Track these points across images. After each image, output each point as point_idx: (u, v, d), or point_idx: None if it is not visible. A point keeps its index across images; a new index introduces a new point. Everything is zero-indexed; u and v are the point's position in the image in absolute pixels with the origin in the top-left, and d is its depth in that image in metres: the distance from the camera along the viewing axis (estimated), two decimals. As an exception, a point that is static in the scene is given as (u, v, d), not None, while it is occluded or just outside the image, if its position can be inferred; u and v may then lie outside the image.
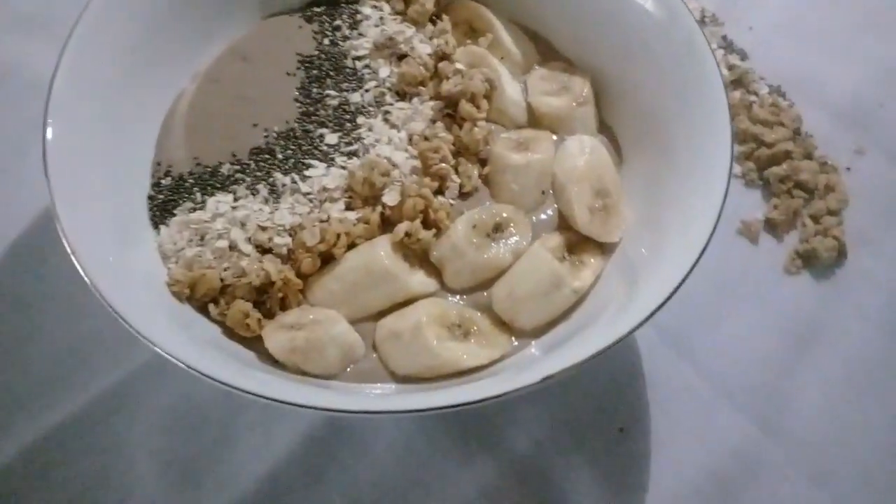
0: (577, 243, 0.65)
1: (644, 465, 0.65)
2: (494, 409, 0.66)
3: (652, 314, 0.53)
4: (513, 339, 0.62)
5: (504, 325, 0.62)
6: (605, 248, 0.65)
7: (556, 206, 0.66)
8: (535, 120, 0.71)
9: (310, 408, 0.51)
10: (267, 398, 0.51)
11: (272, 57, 0.72)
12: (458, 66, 0.69)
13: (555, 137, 0.69)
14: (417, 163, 0.66)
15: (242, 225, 0.62)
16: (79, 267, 0.52)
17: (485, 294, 0.63)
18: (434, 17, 0.74)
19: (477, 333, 0.61)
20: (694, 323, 0.70)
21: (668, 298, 0.54)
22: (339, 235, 0.62)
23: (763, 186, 0.79)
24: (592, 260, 0.64)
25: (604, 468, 0.65)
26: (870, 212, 0.77)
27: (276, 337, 0.58)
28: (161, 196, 0.65)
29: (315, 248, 0.61)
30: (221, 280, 0.60)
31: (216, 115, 0.69)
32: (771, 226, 0.77)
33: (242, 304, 0.59)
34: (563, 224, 0.66)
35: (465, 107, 0.67)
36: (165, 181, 0.66)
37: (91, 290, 0.51)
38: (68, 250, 0.52)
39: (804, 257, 0.75)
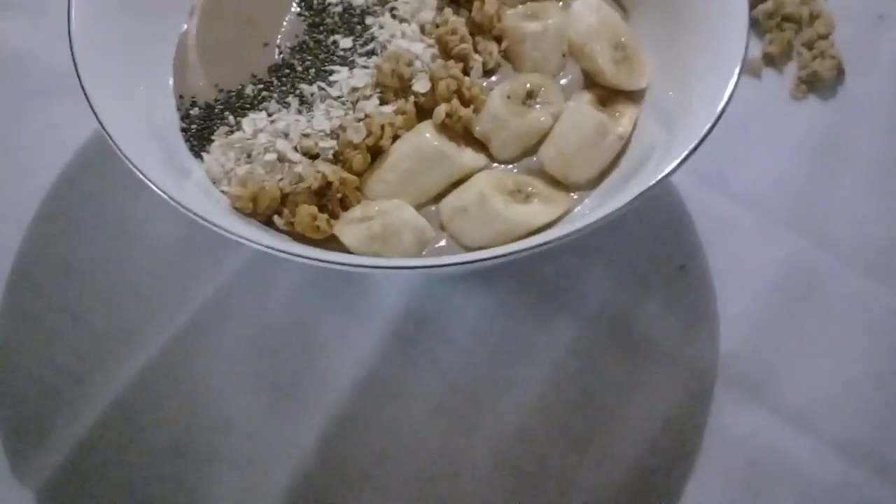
0: (608, 97, 0.66)
1: (710, 295, 0.68)
2: (562, 273, 0.68)
3: (693, 150, 0.55)
4: (571, 194, 0.63)
5: (559, 184, 0.63)
6: (633, 97, 0.67)
7: (577, 68, 0.67)
8: (534, -7, 0.71)
9: (407, 268, 0.52)
10: (368, 266, 0.54)
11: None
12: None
13: (560, 3, 0.70)
14: (435, 50, 0.67)
15: (285, 136, 0.62)
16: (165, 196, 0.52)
17: (534, 158, 0.64)
18: None
19: (537, 195, 0.62)
20: (724, 160, 0.73)
21: (706, 136, 0.55)
22: (383, 127, 0.62)
23: (753, 25, 0.81)
24: (626, 108, 0.66)
25: (674, 305, 0.67)
26: (853, 32, 0.81)
27: (351, 230, 0.58)
28: (194, 126, 0.64)
29: (363, 144, 0.62)
30: (280, 190, 0.60)
31: (225, 41, 0.68)
32: (769, 59, 0.80)
33: (308, 207, 0.59)
34: (589, 83, 0.67)
35: (472, -14, 0.67)
36: (194, 111, 0.65)
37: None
38: (155, 188, 0.53)
39: (807, 81, 0.78)
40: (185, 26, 0.69)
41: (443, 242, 0.61)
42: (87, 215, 0.69)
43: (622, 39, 0.67)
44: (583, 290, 0.67)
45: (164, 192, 0.53)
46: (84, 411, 0.62)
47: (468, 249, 0.61)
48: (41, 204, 0.70)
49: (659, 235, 0.70)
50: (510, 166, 0.64)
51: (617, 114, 0.66)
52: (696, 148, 0.55)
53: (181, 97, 0.65)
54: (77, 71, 0.56)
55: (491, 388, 0.64)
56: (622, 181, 0.62)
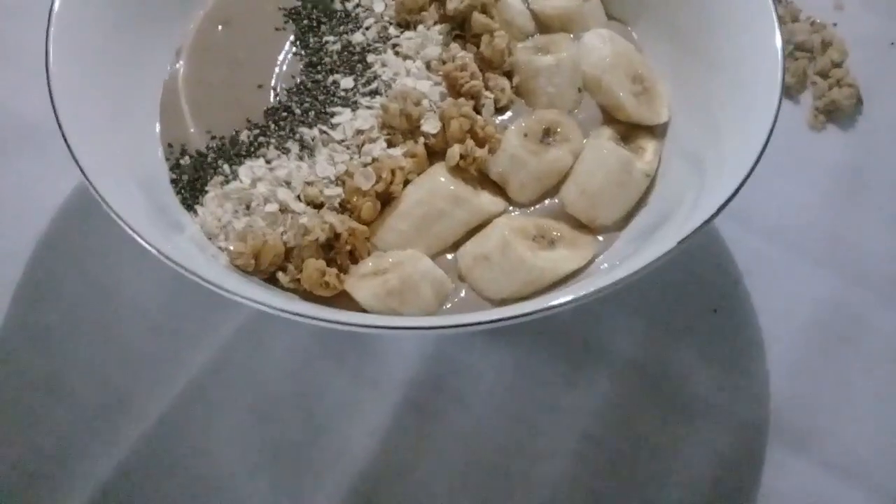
0: (628, 132, 0.63)
1: (746, 340, 0.63)
2: (585, 322, 0.63)
3: (734, 194, 0.51)
4: (598, 237, 0.59)
5: (584, 227, 0.59)
6: (655, 132, 0.63)
7: (594, 102, 0.63)
8: (543, 27, 0.67)
9: (429, 328, 0.47)
10: (388, 327, 0.49)
11: (253, 16, 0.66)
12: (457, -17, 0.66)
13: (571, 36, 0.66)
14: (443, 88, 0.62)
15: (287, 184, 0.57)
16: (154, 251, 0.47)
17: (555, 200, 0.60)
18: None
19: (561, 239, 0.57)
20: (746, 195, 0.69)
21: (746, 178, 0.51)
22: (393, 172, 0.57)
23: (764, 55, 0.78)
24: (648, 144, 0.62)
25: (709, 353, 0.63)
26: (865, 59, 0.78)
27: (365, 286, 0.53)
28: (185, 176, 0.59)
29: (371, 191, 0.57)
30: (284, 244, 0.55)
31: (215, 84, 0.63)
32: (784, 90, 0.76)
33: (315, 262, 0.54)
34: (608, 118, 0.63)
35: (480, 19, 0.63)
36: (184, 160, 0.59)
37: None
38: (144, 243, 0.48)
39: (825, 111, 0.75)
40: (171, 68, 0.64)
41: (462, 294, 0.56)
42: (68, 279, 0.63)
43: (639, 71, 0.63)
44: (608, 340, 0.63)
45: (153, 246, 0.48)
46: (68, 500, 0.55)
47: (491, 301, 0.56)
48: (17, 268, 0.64)
49: (688, 276, 0.66)
50: (529, 209, 0.60)
51: (640, 150, 0.62)
52: (737, 191, 0.51)
53: (170, 146, 0.60)
54: (57, 119, 0.51)
55: (517, 460, 0.58)
56: (653, 224, 0.58)
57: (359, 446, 0.58)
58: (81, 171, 0.49)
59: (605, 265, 0.57)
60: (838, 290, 0.65)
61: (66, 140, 0.50)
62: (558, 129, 0.61)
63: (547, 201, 0.60)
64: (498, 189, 0.60)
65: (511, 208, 0.60)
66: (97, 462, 0.56)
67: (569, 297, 0.47)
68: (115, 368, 0.60)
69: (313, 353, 0.61)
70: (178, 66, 0.64)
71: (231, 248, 0.54)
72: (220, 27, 0.66)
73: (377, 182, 0.57)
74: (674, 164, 0.61)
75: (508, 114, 0.63)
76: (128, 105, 0.60)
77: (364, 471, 0.57)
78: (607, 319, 0.63)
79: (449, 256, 0.58)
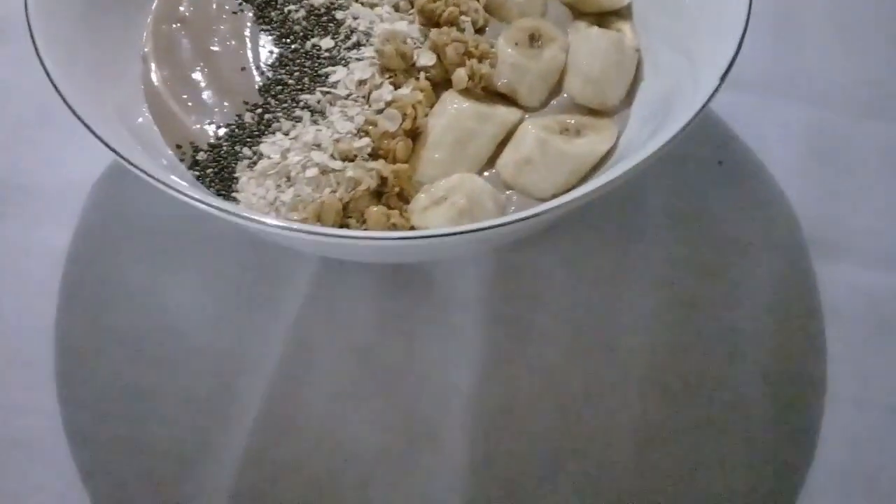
0: (599, 21, 0.66)
1: (756, 178, 0.68)
2: (624, 199, 0.66)
3: (733, 60, 0.52)
4: (614, 118, 0.62)
5: (596, 113, 0.62)
6: (621, 14, 0.67)
7: (557, 3, 0.66)
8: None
9: (538, 215, 0.47)
10: (464, 231, 0.47)
11: (204, 5, 0.65)
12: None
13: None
14: (417, 24, 0.63)
15: (318, 146, 0.57)
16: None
17: (564, 95, 0.62)
18: None
19: (585, 126, 0.60)
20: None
21: (740, 44, 0.53)
22: (415, 107, 0.58)
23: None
24: (623, 25, 0.65)
25: (729, 195, 0.67)
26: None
27: (435, 215, 0.54)
28: (209, 170, 0.57)
29: (400, 131, 0.57)
30: (339, 200, 0.54)
31: (196, 78, 0.61)
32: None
33: (379, 208, 0.54)
34: (576, 14, 0.66)
35: (432, -51, 0.65)
36: (200, 156, 0.58)
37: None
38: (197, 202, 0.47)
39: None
40: (143, 75, 0.61)
41: (515, 199, 0.58)
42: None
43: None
44: (646, 203, 0.66)
45: (220, 209, 0.46)
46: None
47: (542, 199, 0.58)
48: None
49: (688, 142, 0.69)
50: (541, 111, 0.62)
51: (618, 31, 0.65)
52: (733, 59, 0.53)
53: (178, 146, 0.58)
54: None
55: (614, 330, 0.61)
56: (659, 98, 0.60)
57: (467, 384, 0.58)
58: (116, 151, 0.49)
59: (628, 141, 0.60)
60: (816, 115, 0.71)
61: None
62: (541, 33, 0.63)
63: (554, 101, 0.62)
64: (506, 100, 0.62)
65: (526, 115, 0.61)
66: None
67: (632, 164, 0.49)
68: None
69: (385, 304, 0.61)
70: (151, 71, 0.61)
71: (295, 218, 0.53)
72: (175, 26, 0.64)
73: (403, 121, 0.57)
74: (651, 38, 0.64)
75: (486, 34, 0.65)
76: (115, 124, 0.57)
77: (472, 390, 0.58)
78: (637, 193, 0.66)
79: (486, 174, 0.59)
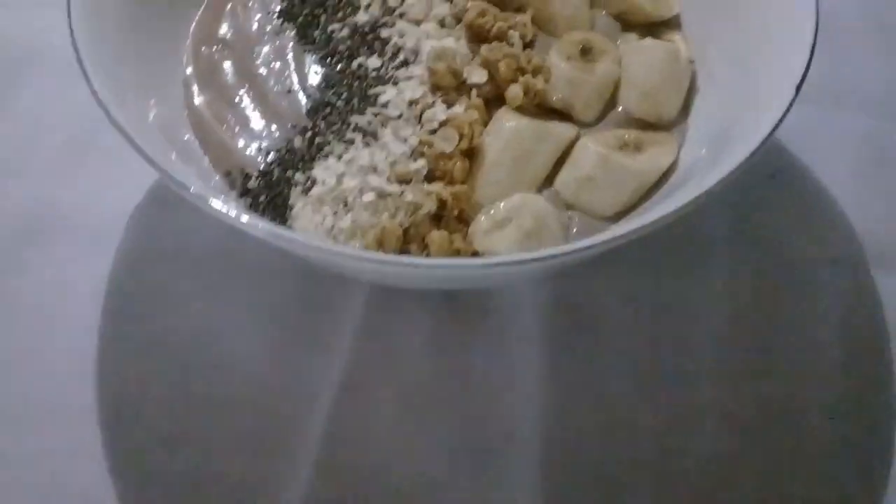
0: (649, 32, 0.64)
1: (809, 189, 0.66)
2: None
3: (806, 71, 0.50)
4: (672, 131, 0.60)
5: (653, 126, 0.60)
6: (671, 25, 0.65)
7: (604, 16, 0.64)
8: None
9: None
10: (540, 258, 0.45)
11: (245, 29, 0.63)
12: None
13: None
14: (465, 41, 0.62)
15: (374, 170, 0.55)
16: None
17: (619, 109, 0.60)
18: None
19: (644, 141, 0.58)
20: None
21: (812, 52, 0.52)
22: (471, 126, 0.56)
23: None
24: (673, 35, 0.64)
25: (785, 207, 0.65)
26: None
27: (500, 238, 0.52)
28: (262, 197, 0.55)
29: (456, 151, 0.55)
30: (399, 225, 0.53)
31: (242, 103, 0.60)
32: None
33: (441, 233, 0.53)
34: (624, 26, 0.64)
35: (479, -37, 0.63)
36: (251, 184, 0.56)
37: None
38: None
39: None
40: (186, 100, 0.60)
41: (577, 220, 0.56)
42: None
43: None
44: (705, 226, 0.64)
45: (280, 234, 0.45)
46: None
47: (606, 218, 0.56)
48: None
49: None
50: (597, 127, 0.60)
51: (669, 41, 0.63)
52: (807, 68, 0.51)
53: (228, 174, 0.56)
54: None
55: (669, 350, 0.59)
56: (717, 111, 0.58)
57: (529, 418, 0.56)
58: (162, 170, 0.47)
59: (689, 156, 0.58)
60: (870, 124, 0.69)
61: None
62: (592, 45, 0.61)
63: (610, 115, 0.60)
64: (560, 116, 0.60)
65: (581, 131, 0.60)
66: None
67: (705, 187, 0.46)
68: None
69: (443, 337, 0.59)
70: (193, 95, 0.60)
71: (356, 246, 0.51)
72: (215, 48, 0.62)
73: (460, 141, 0.55)
74: (705, 48, 0.63)
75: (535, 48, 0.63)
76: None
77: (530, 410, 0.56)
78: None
79: (544, 193, 0.57)
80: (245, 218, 0.45)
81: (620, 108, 0.60)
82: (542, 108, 0.59)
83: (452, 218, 0.54)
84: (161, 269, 0.62)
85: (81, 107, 0.58)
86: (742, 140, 0.49)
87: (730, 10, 0.60)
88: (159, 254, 0.62)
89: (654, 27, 0.64)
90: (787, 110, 0.48)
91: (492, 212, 0.54)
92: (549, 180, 0.58)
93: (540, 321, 0.59)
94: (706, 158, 0.55)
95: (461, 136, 0.55)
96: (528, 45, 0.63)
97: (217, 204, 0.45)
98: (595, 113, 0.60)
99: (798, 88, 0.49)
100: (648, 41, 0.61)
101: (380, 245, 0.51)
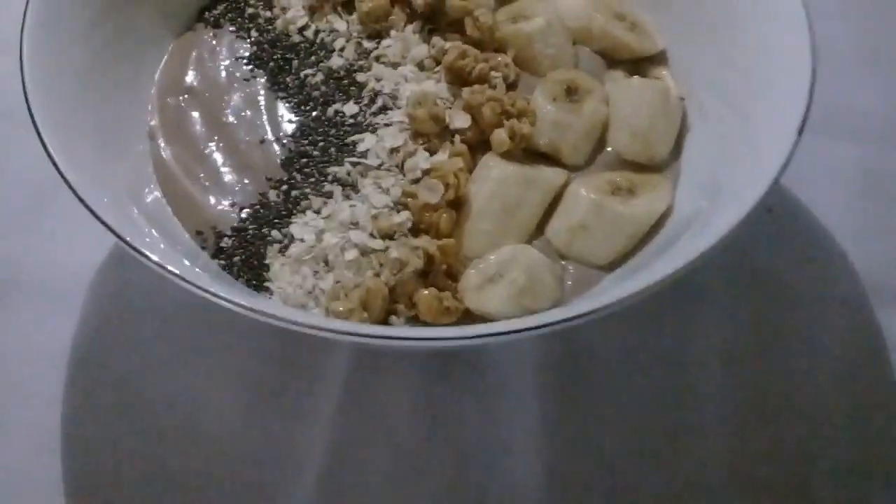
0: (635, 69, 0.62)
1: (806, 222, 0.64)
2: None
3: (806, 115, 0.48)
4: (664, 173, 0.57)
5: (644, 168, 0.57)
6: (655, 61, 0.63)
7: (588, 52, 0.62)
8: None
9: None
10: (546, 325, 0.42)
11: (213, 74, 0.60)
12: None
13: (532, -4, 0.65)
14: (445, 83, 0.59)
15: (355, 225, 0.52)
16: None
17: (608, 150, 0.58)
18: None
19: (636, 184, 0.56)
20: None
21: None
22: (457, 175, 0.53)
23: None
24: (660, 72, 0.62)
25: (780, 241, 0.63)
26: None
27: (491, 295, 0.49)
28: (236, 257, 0.52)
29: (442, 202, 0.52)
30: (385, 284, 0.49)
31: (211, 154, 0.56)
32: None
33: (430, 291, 0.49)
34: (609, 63, 0.62)
35: (455, 3, 0.60)
36: (224, 243, 0.52)
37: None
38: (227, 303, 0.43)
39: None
40: (152, 152, 0.56)
41: (571, 270, 0.53)
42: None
43: (619, 9, 0.63)
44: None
45: (257, 311, 0.42)
46: None
47: (600, 267, 0.53)
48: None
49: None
50: (586, 170, 0.57)
51: (656, 78, 0.61)
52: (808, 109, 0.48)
53: (199, 233, 0.53)
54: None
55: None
56: (714, 148, 0.55)
57: (530, 487, 0.53)
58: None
59: (685, 201, 0.55)
60: (863, 152, 0.67)
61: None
62: (578, 84, 0.59)
63: (599, 157, 0.58)
64: (547, 160, 0.57)
65: (570, 175, 0.57)
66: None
67: (709, 243, 0.44)
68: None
69: (435, 402, 0.56)
70: (160, 148, 0.56)
71: (339, 309, 0.48)
72: (182, 98, 0.59)
73: (446, 191, 0.52)
74: (694, 84, 0.60)
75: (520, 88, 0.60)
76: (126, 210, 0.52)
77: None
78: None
79: (535, 242, 0.55)
80: (213, 289, 0.42)
81: (610, 149, 0.58)
82: (528, 153, 0.57)
83: (440, 273, 0.51)
84: (129, 330, 0.58)
85: (39, 159, 0.55)
86: (744, 187, 0.47)
87: (719, 45, 0.58)
88: (126, 314, 0.59)
89: (640, 63, 0.62)
90: (790, 158, 0.46)
91: (481, 266, 0.51)
92: (539, 228, 0.55)
93: (535, 375, 0.56)
94: (705, 208, 0.52)
95: (447, 187, 0.52)
96: (510, 87, 0.60)
97: (181, 273, 0.42)
98: (584, 156, 0.57)
99: (800, 131, 0.47)
100: (636, 80, 0.59)
101: (364, 307, 0.48)
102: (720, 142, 0.55)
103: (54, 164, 0.46)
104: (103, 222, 0.44)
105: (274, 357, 0.57)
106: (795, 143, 0.46)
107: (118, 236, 0.44)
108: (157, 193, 0.55)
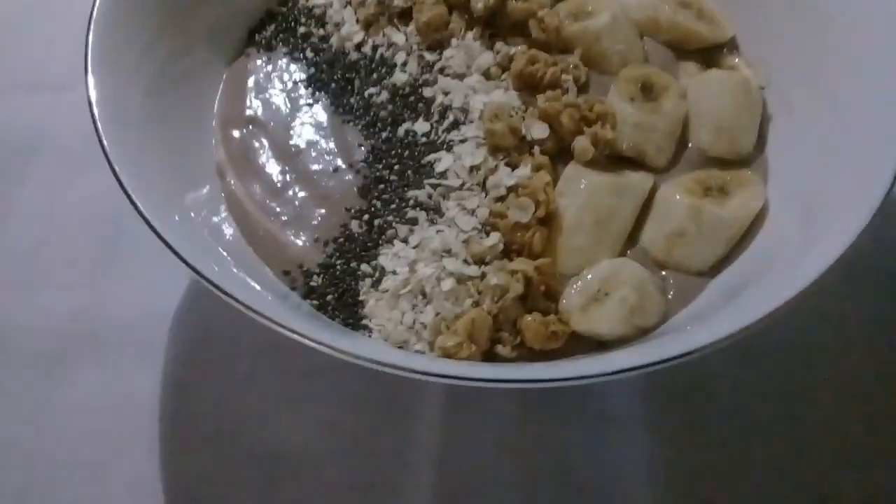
0: (706, 59, 0.60)
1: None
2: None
3: None
4: (749, 169, 0.55)
5: (730, 163, 0.55)
6: (725, 50, 0.60)
7: (657, 45, 0.60)
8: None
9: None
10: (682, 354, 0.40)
11: (273, 101, 0.58)
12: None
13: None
14: (513, 92, 0.57)
15: (448, 252, 0.50)
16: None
17: (690, 146, 0.56)
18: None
19: (727, 182, 0.54)
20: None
21: None
22: (545, 190, 0.51)
23: None
24: (734, 60, 0.60)
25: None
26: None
27: (601, 315, 0.48)
28: (328, 295, 0.50)
29: (533, 220, 0.51)
30: (489, 313, 0.48)
31: (284, 187, 0.55)
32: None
33: (535, 317, 0.48)
34: (678, 55, 0.60)
35: (517, 5, 0.58)
36: (314, 281, 0.51)
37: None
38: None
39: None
40: (223, 190, 0.54)
41: (672, 281, 0.52)
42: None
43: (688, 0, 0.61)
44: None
45: (382, 362, 0.40)
46: None
47: (701, 273, 0.52)
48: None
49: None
50: (671, 171, 0.55)
51: (730, 67, 0.59)
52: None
53: (286, 273, 0.51)
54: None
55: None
56: (810, 142, 0.52)
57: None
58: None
59: (777, 194, 0.53)
60: None
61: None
62: (652, 82, 0.57)
63: (683, 156, 0.56)
64: (631, 163, 0.55)
65: (657, 178, 0.55)
66: None
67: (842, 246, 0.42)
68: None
69: (540, 435, 0.54)
70: (231, 185, 0.54)
71: (448, 344, 0.46)
72: (246, 130, 0.57)
73: (536, 208, 0.50)
74: (775, 73, 0.58)
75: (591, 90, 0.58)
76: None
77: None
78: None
79: (628, 252, 0.53)
80: (313, 334, 0.41)
81: (692, 146, 0.56)
82: (609, 158, 0.55)
83: (539, 294, 0.49)
84: (216, 378, 0.56)
85: (94, 202, 0.53)
86: (854, 191, 0.45)
87: (801, 26, 0.55)
88: (211, 360, 0.57)
89: (711, 52, 0.60)
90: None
91: (581, 284, 0.50)
92: (630, 237, 0.53)
93: (638, 404, 0.54)
94: (807, 206, 0.50)
95: (537, 204, 0.50)
96: (581, 88, 0.58)
97: (274, 317, 0.41)
98: (668, 156, 0.55)
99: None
100: (715, 72, 0.57)
101: (471, 339, 0.46)
102: (811, 135, 0.53)
103: (133, 204, 0.44)
104: (193, 268, 0.43)
105: (369, 401, 0.55)
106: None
107: (207, 280, 0.42)
108: (236, 231, 0.53)
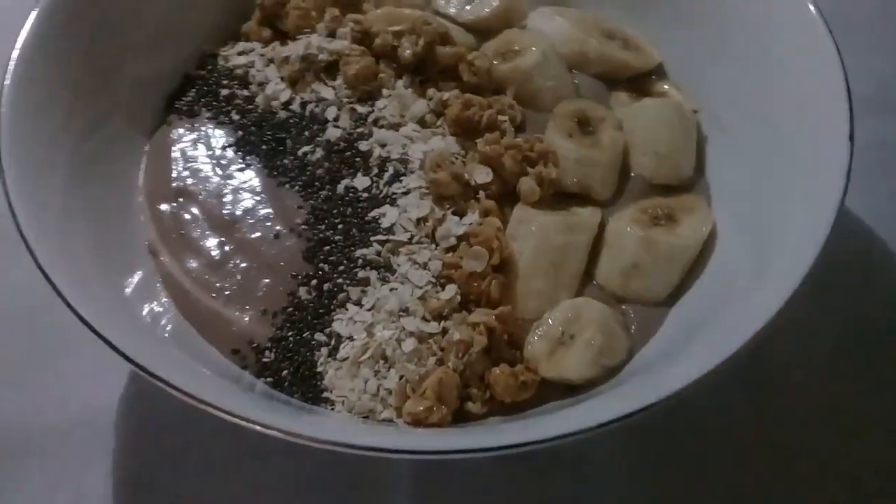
0: (636, 87, 0.60)
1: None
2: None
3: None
4: (693, 192, 0.55)
5: (676, 188, 0.55)
6: (653, 76, 0.61)
7: (586, 77, 0.60)
8: (482, 32, 0.62)
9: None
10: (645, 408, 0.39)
11: (202, 168, 0.56)
12: (391, 28, 0.58)
13: (516, 29, 0.62)
14: (451, 137, 0.56)
15: (406, 311, 0.48)
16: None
17: (632, 175, 0.56)
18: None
19: (673, 208, 0.53)
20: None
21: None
22: (497, 237, 0.50)
23: None
24: (663, 86, 0.60)
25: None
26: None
27: (568, 361, 0.46)
28: (284, 371, 0.47)
29: (488, 269, 0.49)
30: (454, 370, 0.46)
31: (224, 260, 0.52)
32: None
33: (503, 369, 0.46)
34: (609, 85, 0.60)
35: (446, 51, 0.58)
36: (267, 358, 0.48)
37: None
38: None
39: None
40: (157, 269, 0.51)
41: (632, 314, 0.51)
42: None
43: (608, 27, 0.61)
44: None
45: (346, 444, 0.38)
46: None
47: (658, 303, 0.51)
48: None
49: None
50: (616, 203, 0.55)
51: (661, 93, 0.60)
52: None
53: (236, 352, 0.48)
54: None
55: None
56: (741, 164, 0.53)
57: None
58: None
59: (723, 213, 0.53)
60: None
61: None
62: (588, 114, 0.56)
63: (627, 186, 0.56)
64: (576, 198, 0.54)
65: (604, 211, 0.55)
66: None
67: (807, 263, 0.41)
68: None
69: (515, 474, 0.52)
70: (165, 264, 0.51)
71: (417, 409, 0.44)
72: (176, 203, 0.54)
73: (490, 256, 0.49)
74: (703, 95, 0.58)
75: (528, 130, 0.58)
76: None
77: None
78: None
79: (586, 290, 0.52)
80: (265, 419, 0.38)
81: (634, 175, 0.56)
82: (556, 195, 0.54)
83: (504, 344, 0.48)
84: (171, 466, 0.52)
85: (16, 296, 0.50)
86: (806, 202, 0.45)
87: (722, 46, 0.56)
88: (164, 450, 0.52)
89: (640, 80, 0.60)
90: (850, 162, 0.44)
91: (543, 328, 0.48)
92: (586, 273, 0.52)
93: (617, 461, 0.51)
94: (755, 220, 0.50)
95: (490, 252, 0.49)
96: (517, 129, 0.57)
97: (233, 409, 0.38)
98: (612, 188, 0.55)
99: (851, 137, 0.45)
100: (649, 101, 0.57)
101: (442, 401, 0.45)
102: (747, 153, 0.53)
103: (56, 290, 0.41)
104: (125, 356, 0.40)
105: (335, 477, 0.51)
106: (850, 151, 0.44)
107: (141, 367, 0.40)
108: (176, 313, 0.49)
